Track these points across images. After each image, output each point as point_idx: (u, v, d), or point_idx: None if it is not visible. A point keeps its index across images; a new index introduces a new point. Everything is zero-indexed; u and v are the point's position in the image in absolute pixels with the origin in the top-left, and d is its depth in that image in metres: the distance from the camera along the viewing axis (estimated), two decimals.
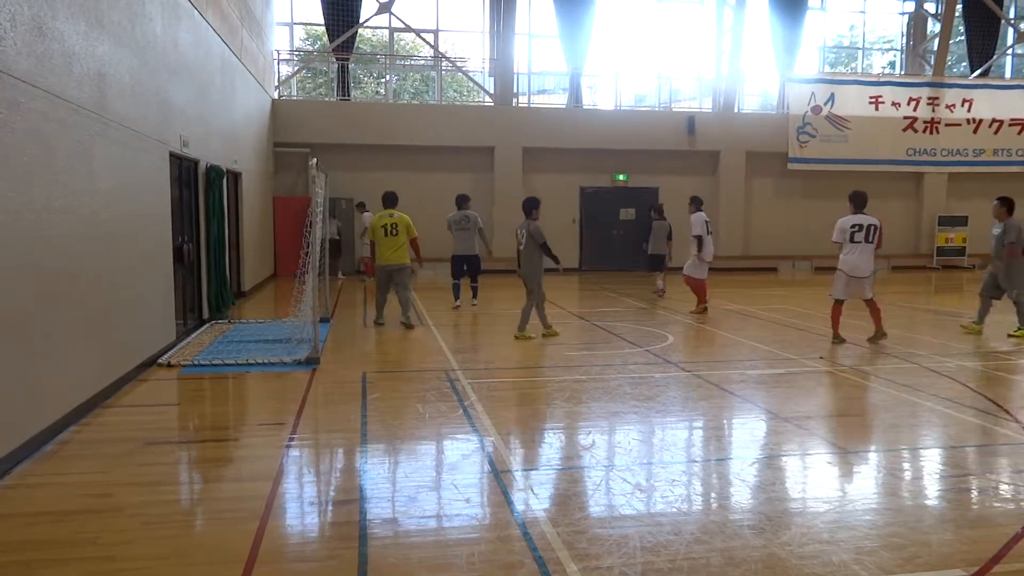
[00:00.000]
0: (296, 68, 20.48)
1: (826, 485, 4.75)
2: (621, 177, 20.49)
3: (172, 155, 8.96)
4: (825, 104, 20.72)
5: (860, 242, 9.14)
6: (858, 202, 9.41)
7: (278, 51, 19.33)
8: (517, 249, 9.88)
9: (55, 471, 4.85)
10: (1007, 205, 9.97)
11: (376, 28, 20.98)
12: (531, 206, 9.71)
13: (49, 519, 4.06)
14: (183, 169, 9.77)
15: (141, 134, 7.71)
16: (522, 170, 19.67)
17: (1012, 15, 23.00)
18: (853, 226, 9.18)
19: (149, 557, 3.64)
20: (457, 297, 12.33)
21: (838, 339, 9.34)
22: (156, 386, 7.23)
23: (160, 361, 7.97)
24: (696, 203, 12.51)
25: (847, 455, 5.22)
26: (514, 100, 20.22)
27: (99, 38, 6.56)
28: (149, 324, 7.99)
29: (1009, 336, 9.83)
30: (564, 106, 20.56)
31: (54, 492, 4.48)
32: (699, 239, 11.95)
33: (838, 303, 9.40)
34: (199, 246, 10.43)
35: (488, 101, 20.45)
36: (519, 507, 4.23)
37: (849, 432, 5.74)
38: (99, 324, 6.50)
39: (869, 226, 9.17)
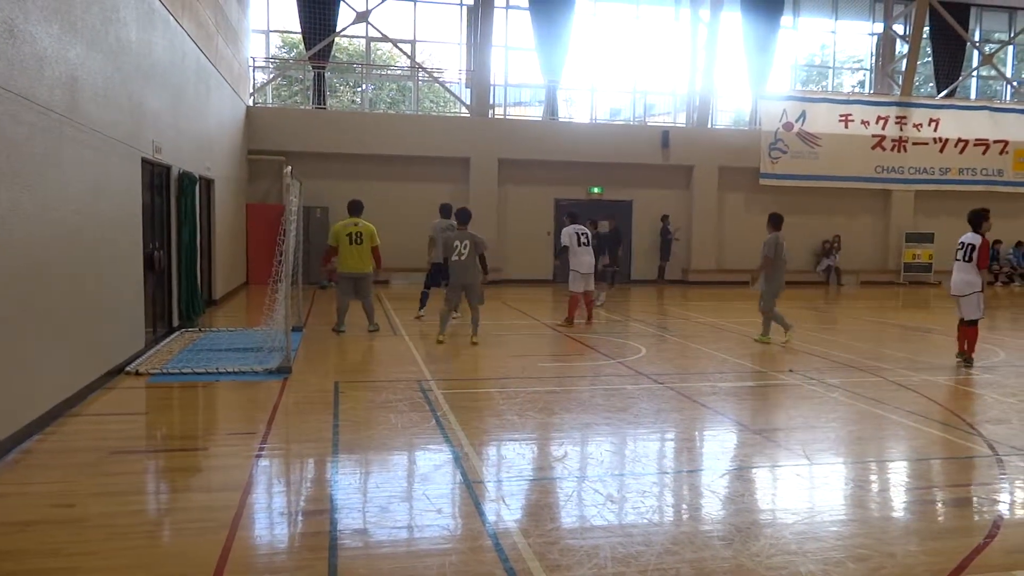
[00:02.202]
0: (272, 75, 20.38)
1: (795, 497, 4.81)
2: (596, 190, 20.62)
3: (144, 161, 8.87)
4: (796, 121, 21.05)
5: (958, 260, 9.03)
6: (972, 221, 9.05)
7: (253, 58, 19.23)
8: (452, 259, 9.97)
9: (18, 480, 4.76)
10: (772, 221, 10.76)
11: (353, 37, 20.97)
12: (469, 217, 10.26)
13: (11, 529, 3.98)
14: (155, 175, 9.67)
15: (113, 139, 7.62)
16: (497, 181, 19.72)
17: (977, 38, 23.57)
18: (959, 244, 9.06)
19: (114, 568, 3.58)
20: (423, 306, 12.27)
21: (964, 357, 9.13)
22: (124, 395, 7.12)
23: (128, 369, 7.86)
24: (570, 217, 12.49)
25: (815, 467, 5.29)
26: (490, 111, 20.29)
27: (72, 42, 6.49)
28: (117, 331, 7.88)
29: (755, 340, 10.54)
30: (540, 118, 20.67)
31: (16, 502, 4.40)
32: (565, 249, 11.95)
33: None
34: (170, 253, 10.32)
35: (464, 112, 20.50)
36: (491, 518, 4.23)
37: (817, 444, 5.81)
38: (66, 331, 6.40)
39: (968, 245, 8.92)
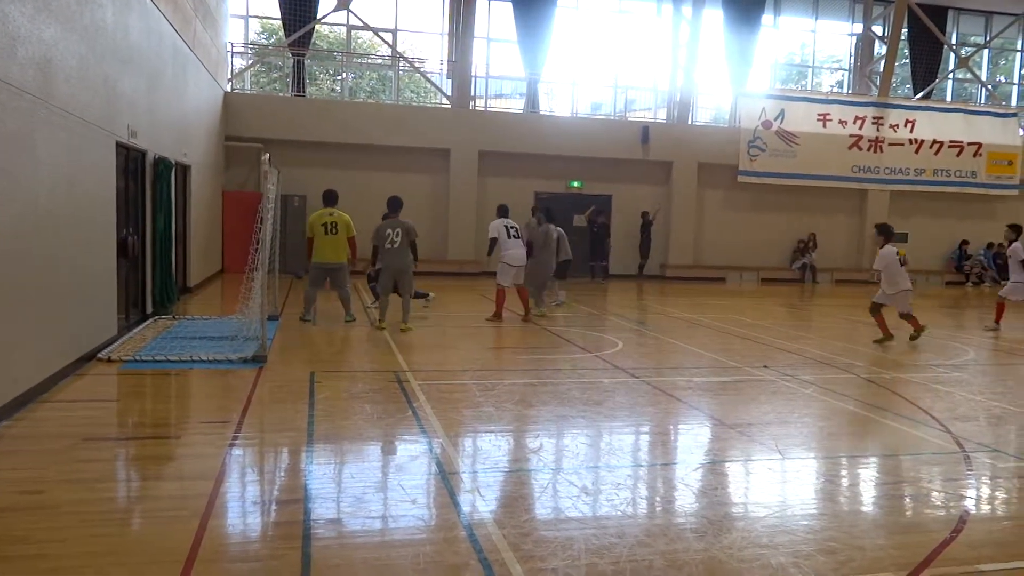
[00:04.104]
0: (250, 62, 20.15)
1: (766, 491, 4.86)
2: (576, 184, 20.65)
3: (119, 145, 8.74)
4: (775, 119, 21.20)
5: (902, 265, 10.62)
6: (892, 234, 10.89)
7: (232, 44, 18.99)
8: (384, 247, 10.09)
9: None
10: (537, 214, 12.01)
11: (333, 25, 20.78)
12: (400, 205, 10.50)
13: None
14: (130, 160, 9.54)
15: (87, 122, 7.50)
16: (478, 173, 19.68)
17: (954, 41, 23.88)
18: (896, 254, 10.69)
19: (84, 556, 3.54)
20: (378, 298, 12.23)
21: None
22: (95, 381, 7.03)
23: (100, 356, 7.75)
24: (501, 211, 12.09)
25: (787, 462, 5.35)
26: (471, 103, 20.23)
27: (46, 22, 6.37)
28: (89, 318, 7.77)
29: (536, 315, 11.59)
30: (521, 111, 20.64)
31: None
32: (493, 241, 11.57)
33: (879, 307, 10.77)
34: (144, 239, 10.19)
35: (445, 103, 20.42)
36: (466, 509, 4.23)
37: (789, 439, 5.88)
38: (36, 316, 6.30)
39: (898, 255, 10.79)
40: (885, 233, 10.81)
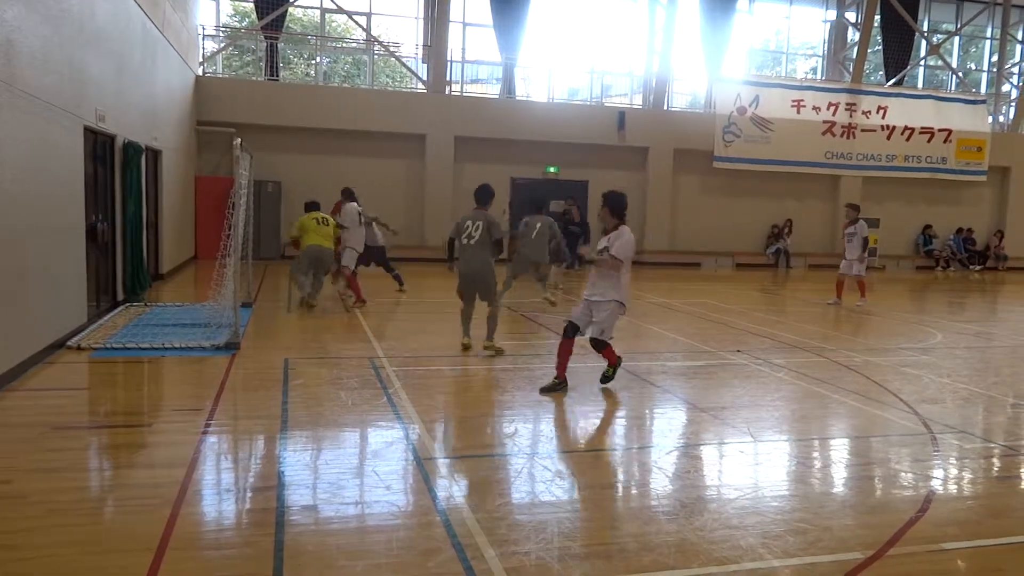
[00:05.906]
0: (222, 45, 19.83)
1: (738, 473, 4.93)
2: (552, 169, 20.63)
3: (87, 129, 8.59)
4: (750, 105, 21.29)
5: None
6: (621, 207, 6.77)
7: (203, 26, 18.68)
8: (459, 242, 7.98)
9: None
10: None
11: (307, 8, 20.52)
12: (489, 196, 8.19)
13: None
14: (99, 144, 9.38)
15: (53, 106, 7.35)
16: (453, 159, 19.59)
17: (925, 28, 24.11)
18: None
19: (54, 545, 3.50)
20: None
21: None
22: (65, 369, 6.94)
23: (70, 344, 7.64)
24: (346, 194, 11.93)
25: (759, 444, 5.42)
26: (447, 88, 20.10)
27: (8, 2, 6.22)
28: (58, 305, 7.65)
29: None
30: (497, 96, 20.55)
31: None
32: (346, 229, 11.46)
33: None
34: (115, 225, 10.04)
35: (420, 88, 20.28)
36: (440, 494, 4.24)
37: (761, 423, 5.95)
38: (2, 303, 6.18)
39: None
40: (614, 204, 6.68)
